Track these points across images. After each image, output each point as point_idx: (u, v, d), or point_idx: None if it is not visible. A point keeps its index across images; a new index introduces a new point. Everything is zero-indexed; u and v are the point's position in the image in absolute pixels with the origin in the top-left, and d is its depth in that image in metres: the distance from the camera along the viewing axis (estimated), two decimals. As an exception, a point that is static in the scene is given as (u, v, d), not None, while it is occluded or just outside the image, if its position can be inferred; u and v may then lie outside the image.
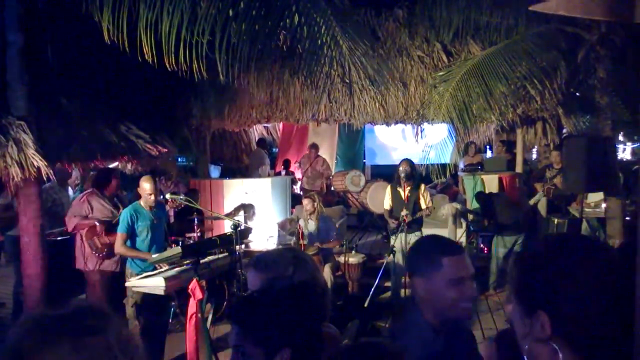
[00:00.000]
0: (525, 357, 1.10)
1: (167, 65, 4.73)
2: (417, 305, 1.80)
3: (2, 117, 4.95)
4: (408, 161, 6.47)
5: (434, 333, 1.75)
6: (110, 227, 5.34)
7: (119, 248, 4.95)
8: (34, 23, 5.47)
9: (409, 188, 6.31)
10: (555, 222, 7.68)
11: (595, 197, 7.50)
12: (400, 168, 6.39)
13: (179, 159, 10.72)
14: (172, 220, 7.20)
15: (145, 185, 5.08)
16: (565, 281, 1.02)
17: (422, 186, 6.53)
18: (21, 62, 5.04)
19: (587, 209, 7.21)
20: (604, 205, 6.96)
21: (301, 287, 1.55)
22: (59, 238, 6.68)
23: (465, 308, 1.74)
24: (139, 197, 5.33)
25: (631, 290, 0.95)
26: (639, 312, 0.92)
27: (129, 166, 7.23)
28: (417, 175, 6.72)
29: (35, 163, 4.86)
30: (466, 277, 1.74)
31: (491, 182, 8.36)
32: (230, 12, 4.61)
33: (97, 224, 5.40)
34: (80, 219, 5.46)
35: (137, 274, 4.89)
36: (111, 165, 7.35)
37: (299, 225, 6.85)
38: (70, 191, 7.73)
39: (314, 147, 10.81)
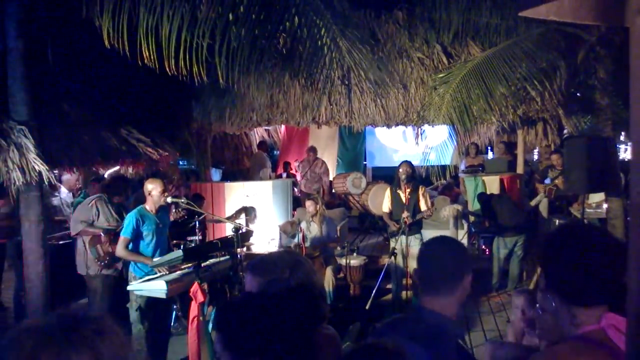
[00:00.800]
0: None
1: (168, 69, 4.75)
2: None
3: (3, 121, 4.96)
4: (408, 163, 6.46)
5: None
6: (115, 236, 5.34)
7: (120, 251, 4.95)
8: (35, 28, 5.49)
9: (409, 190, 6.29)
10: (557, 223, 7.68)
11: (596, 197, 7.50)
12: (400, 170, 6.36)
13: (180, 162, 10.73)
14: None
15: (156, 185, 5.05)
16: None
17: (422, 188, 6.51)
18: (22, 67, 5.04)
19: (588, 210, 7.21)
20: (605, 205, 6.95)
21: (276, 299, 1.55)
22: (60, 242, 6.70)
23: None
24: (141, 201, 5.33)
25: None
26: (631, 307, 0.95)
27: (130, 170, 7.26)
28: (417, 177, 6.72)
29: (36, 167, 4.87)
30: None
31: (492, 184, 8.36)
32: (230, 16, 4.62)
33: (102, 235, 5.41)
34: (87, 225, 5.47)
35: (140, 278, 4.89)
36: (112, 170, 7.38)
37: (300, 228, 6.85)
38: (67, 194, 7.71)
39: (313, 150, 10.84)
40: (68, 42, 6.18)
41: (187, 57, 4.63)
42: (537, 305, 1.54)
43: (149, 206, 5.04)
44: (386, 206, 6.59)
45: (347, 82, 6.96)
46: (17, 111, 5.03)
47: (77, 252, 5.60)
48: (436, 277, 1.82)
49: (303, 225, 6.93)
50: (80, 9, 4.74)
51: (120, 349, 1.13)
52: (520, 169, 9.02)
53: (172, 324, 5.77)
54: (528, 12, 1.00)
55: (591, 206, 7.51)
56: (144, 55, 4.65)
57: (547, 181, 8.17)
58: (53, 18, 5.88)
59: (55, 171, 6.34)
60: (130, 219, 4.92)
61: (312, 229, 6.91)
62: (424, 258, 1.89)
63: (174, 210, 6.23)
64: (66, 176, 7.55)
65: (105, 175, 7.51)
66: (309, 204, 7.02)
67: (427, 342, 1.69)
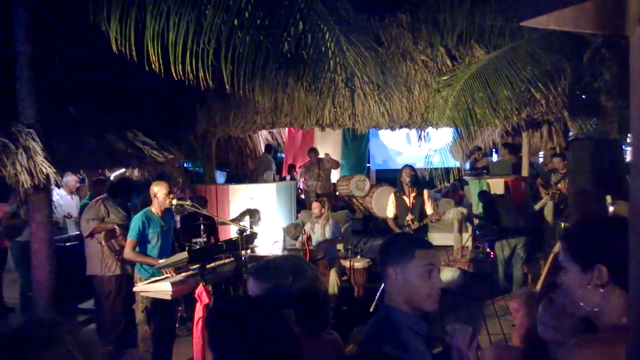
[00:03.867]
0: (580, 303, 1.50)
1: (174, 74, 4.79)
2: (389, 305, 1.92)
3: (12, 124, 5.02)
4: (410, 167, 6.43)
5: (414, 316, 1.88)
6: (127, 230, 5.37)
7: (128, 254, 4.98)
8: (43, 33, 5.54)
9: (413, 194, 6.28)
10: (562, 226, 7.66)
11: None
12: (404, 174, 6.34)
13: (185, 165, 10.76)
14: (178, 225, 7.24)
15: (161, 187, 5.08)
16: (614, 240, 1.41)
17: (426, 192, 6.49)
18: (30, 71, 5.10)
19: (593, 213, 7.18)
20: (611, 208, 6.94)
21: (262, 307, 1.57)
22: (67, 244, 6.75)
23: (433, 297, 1.87)
24: (146, 203, 5.37)
25: None
26: (632, 313, 0.97)
27: (135, 172, 7.30)
28: (420, 180, 6.70)
29: (44, 170, 4.92)
30: (436, 265, 1.90)
31: (497, 186, 8.36)
32: (236, 22, 4.66)
33: (117, 227, 5.47)
34: (98, 222, 5.52)
35: (146, 279, 4.92)
36: (117, 172, 7.43)
37: (304, 230, 6.87)
38: (64, 196, 7.74)
39: (314, 151, 10.81)
40: (75, 46, 6.24)
41: (193, 62, 4.67)
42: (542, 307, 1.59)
43: (155, 209, 5.06)
44: (391, 211, 6.53)
45: (350, 85, 6.98)
46: (25, 114, 5.09)
47: (91, 253, 5.60)
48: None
49: (307, 227, 6.96)
50: (88, 14, 4.79)
51: (89, 342, 1.15)
52: (525, 172, 9.01)
53: (177, 326, 5.80)
54: (529, 22, 1.01)
55: (596, 209, 7.48)
56: (151, 60, 4.69)
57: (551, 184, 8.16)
58: (61, 23, 5.94)
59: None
60: (136, 221, 4.95)
61: (316, 231, 6.94)
62: None
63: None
64: (66, 178, 7.58)
65: (111, 178, 7.56)
66: (315, 205, 7.06)
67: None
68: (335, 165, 10.91)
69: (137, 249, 4.96)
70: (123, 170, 7.22)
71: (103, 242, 5.48)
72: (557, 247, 5.53)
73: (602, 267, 1.45)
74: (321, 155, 10.90)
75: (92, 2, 4.78)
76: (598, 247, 1.48)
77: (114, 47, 4.75)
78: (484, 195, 7.73)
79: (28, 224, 5.61)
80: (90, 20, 4.83)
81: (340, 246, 7.64)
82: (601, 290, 1.47)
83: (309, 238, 6.81)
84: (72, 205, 7.81)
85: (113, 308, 5.48)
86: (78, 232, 6.83)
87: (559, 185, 7.67)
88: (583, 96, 7.74)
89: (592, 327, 1.56)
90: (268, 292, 1.77)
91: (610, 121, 6.49)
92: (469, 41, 8.11)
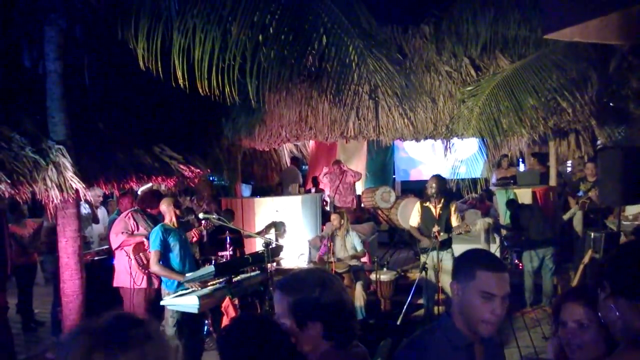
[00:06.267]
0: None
1: (200, 89, 4.87)
2: (450, 317, 1.92)
3: (42, 141, 5.14)
4: (438, 177, 6.36)
5: (462, 338, 1.87)
6: None
7: (154, 266, 5.04)
8: (73, 51, 5.69)
9: (440, 205, 6.22)
10: (592, 236, 7.49)
11: (633, 209, 7.31)
12: (432, 184, 6.29)
13: (211, 178, 10.86)
14: (204, 239, 7.31)
15: (166, 203, 5.24)
16: None
17: (454, 204, 6.41)
18: (60, 88, 5.22)
19: (624, 222, 7.03)
20: (642, 218, 6.79)
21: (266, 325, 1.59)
22: (95, 258, 6.85)
23: (489, 323, 1.80)
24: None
25: None
26: None
27: (162, 186, 7.40)
28: (448, 191, 6.63)
29: (73, 185, 5.02)
30: (497, 294, 1.80)
31: (524, 196, 8.23)
32: (260, 38, 4.73)
33: (145, 240, 5.53)
34: (127, 235, 5.62)
35: (173, 292, 4.97)
36: (145, 186, 7.54)
37: (330, 243, 6.87)
38: (88, 210, 7.84)
39: (338, 163, 10.77)
40: (104, 63, 6.39)
41: (219, 78, 4.75)
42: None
43: (167, 221, 5.18)
44: (415, 220, 6.47)
45: (374, 97, 6.99)
46: (55, 131, 5.21)
47: (120, 267, 5.68)
48: None
49: (326, 240, 6.97)
50: (116, 32, 4.91)
51: (163, 352, 1.21)
52: (552, 181, 8.86)
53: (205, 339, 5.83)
54: (553, 35, 1.01)
55: (628, 218, 7.32)
56: (177, 76, 4.78)
57: (580, 194, 8.01)
58: (90, 40, 6.10)
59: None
60: (155, 233, 5.04)
61: (337, 242, 6.93)
62: None
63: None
64: (90, 192, 7.70)
65: (139, 192, 7.68)
66: (334, 217, 7.08)
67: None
68: (358, 177, 10.84)
69: (161, 261, 5.02)
70: (150, 184, 7.32)
71: (132, 255, 5.57)
72: (588, 257, 5.43)
73: None
74: (345, 167, 10.87)
75: (120, 20, 4.91)
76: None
77: (141, 64, 4.86)
78: (512, 204, 7.62)
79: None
80: (118, 37, 4.95)
81: (365, 258, 7.60)
82: None
83: (333, 252, 6.81)
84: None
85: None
86: (106, 247, 6.94)
87: (590, 194, 7.53)
88: (611, 104, 7.61)
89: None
90: (295, 305, 1.77)
91: (639, 129, 6.36)
92: (493, 51, 8.06)
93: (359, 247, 6.99)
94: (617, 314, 1.50)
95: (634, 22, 0.87)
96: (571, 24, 0.88)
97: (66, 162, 5.07)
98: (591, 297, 1.71)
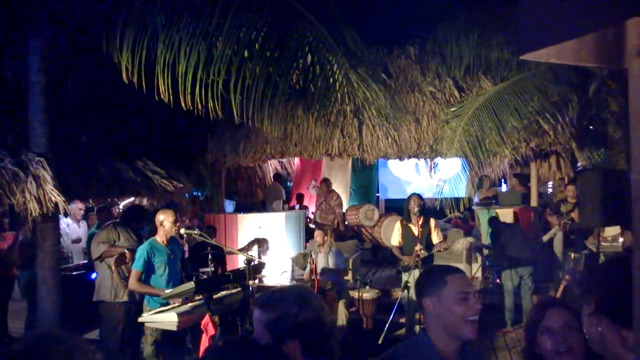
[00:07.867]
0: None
1: (184, 104, 4.85)
2: (426, 334, 1.96)
3: (22, 153, 5.07)
4: (418, 196, 6.40)
5: (435, 354, 1.89)
6: None
7: (132, 284, 4.95)
8: (56, 63, 5.64)
9: (420, 223, 6.25)
10: (572, 257, 7.56)
11: (612, 231, 7.39)
12: (412, 203, 6.30)
13: (195, 193, 10.79)
14: (186, 255, 7.23)
15: (167, 215, 5.08)
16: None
17: (433, 221, 6.46)
18: (42, 100, 5.17)
19: (604, 243, 7.10)
20: (621, 239, 6.87)
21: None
22: (73, 273, 6.74)
23: (472, 322, 1.88)
24: (153, 232, 5.35)
25: None
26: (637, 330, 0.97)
27: (145, 201, 7.33)
28: (427, 209, 6.67)
29: (53, 199, 4.94)
30: (470, 291, 1.92)
31: (506, 216, 8.30)
32: (246, 54, 4.75)
33: (127, 251, 5.37)
34: (108, 245, 5.48)
35: (154, 309, 4.88)
36: (127, 201, 7.47)
37: (313, 260, 6.83)
38: (73, 223, 7.75)
39: (326, 182, 10.79)
40: (87, 76, 6.35)
41: (203, 92, 4.74)
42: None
43: (160, 237, 5.06)
44: (396, 240, 6.47)
45: (359, 116, 7.03)
46: (36, 143, 5.14)
47: (100, 280, 5.53)
48: None
49: (314, 256, 6.93)
50: (100, 45, 4.89)
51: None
52: (534, 202, 8.96)
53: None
54: (530, 55, 1.03)
55: (607, 239, 7.40)
56: (161, 90, 4.77)
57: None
58: (74, 53, 6.06)
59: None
60: (141, 252, 4.93)
61: (319, 260, 6.89)
62: None
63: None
64: (71, 205, 7.59)
65: (121, 206, 7.60)
66: (317, 234, 7.06)
67: None
68: (340, 206, 10.79)
69: (143, 278, 4.93)
70: (132, 199, 7.25)
71: (113, 267, 5.41)
72: (568, 277, 5.47)
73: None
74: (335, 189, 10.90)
75: (105, 32, 4.89)
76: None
77: (124, 77, 4.84)
78: (493, 221, 7.68)
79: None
80: (102, 50, 4.93)
81: (349, 276, 7.57)
82: None
83: (316, 269, 6.77)
84: (79, 232, 7.81)
85: (119, 336, 5.40)
86: (85, 261, 6.82)
87: (572, 215, 7.61)
88: (590, 127, 7.75)
89: None
90: (273, 322, 1.75)
91: (618, 152, 6.48)
92: (476, 73, 8.20)
93: (342, 266, 6.99)
94: (599, 329, 1.51)
95: (608, 45, 0.89)
96: (547, 45, 0.90)
97: (46, 175, 5.00)
98: (573, 305, 1.75)
